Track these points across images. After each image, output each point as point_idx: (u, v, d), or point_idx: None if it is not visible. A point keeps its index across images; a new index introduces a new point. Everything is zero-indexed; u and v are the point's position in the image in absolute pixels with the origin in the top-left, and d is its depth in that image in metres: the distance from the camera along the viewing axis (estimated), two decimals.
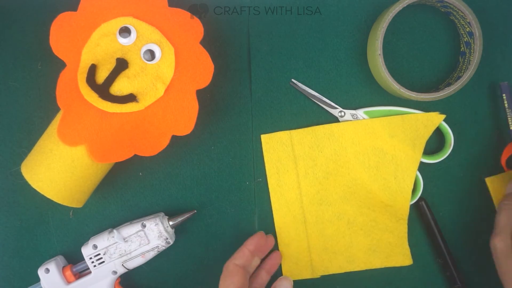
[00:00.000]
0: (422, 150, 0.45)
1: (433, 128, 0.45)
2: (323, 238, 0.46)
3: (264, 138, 0.45)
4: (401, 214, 0.46)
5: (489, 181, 0.47)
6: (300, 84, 0.44)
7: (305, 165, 0.45)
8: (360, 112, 0.44)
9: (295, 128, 0.46)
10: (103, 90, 0.38)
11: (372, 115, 0.44)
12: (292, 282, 0.42)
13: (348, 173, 0.46)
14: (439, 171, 0.47)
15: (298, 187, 0.46)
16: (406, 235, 0.46)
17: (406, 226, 0.46)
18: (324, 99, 0.44)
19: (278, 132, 0.45)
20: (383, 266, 0.47)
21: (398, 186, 0.45)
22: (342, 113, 0.44)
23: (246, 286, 0.40)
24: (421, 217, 0.47)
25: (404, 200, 0.45)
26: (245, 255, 0.42)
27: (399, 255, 0.47)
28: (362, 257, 0.47)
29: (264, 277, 0.44)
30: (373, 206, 0.46)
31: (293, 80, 0.44)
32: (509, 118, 0.45)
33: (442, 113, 0.45)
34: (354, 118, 0.44)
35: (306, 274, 0.47)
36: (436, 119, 0.45)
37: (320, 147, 0.45)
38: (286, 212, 0.46)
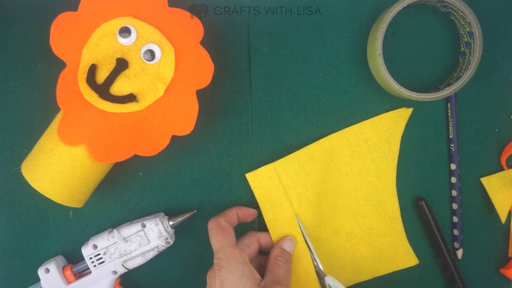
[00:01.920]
0: (398, 145, 0.46)
1: (404, 122, 0.46)
2: (326, 256, 0.46)
3: (250, 176, 0.44)
4: (393, 213, 0.46)
5: (485, 181, 0.47)
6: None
7: (297, 193, 0.44)
8: None
9: (295, 128, 0.46)
10: (103, 90, 0.38)
11: None
12: (295, 242, 0.44)
13: (335, 188, 0.45)
14: (439, 170, 0.47)
15: (295, 217, 0.44)
16: (404, 234, 0.47)
17: (401, 225, 0.46)
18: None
19: (261, 168, 0.44)
20: (391, 271, 0.47)
21: (383, 185, 0.46)
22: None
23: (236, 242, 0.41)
24: (421, 217, 0.47)
25: (392, 197, 0.46)
26: (234, 216, 0.43)
27: (403, 256, 0.47)
28: (369, 266, 0.47)
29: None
30: (366, 213, 0.46)
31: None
32: (450, 127, 0.46)
33: (441, 112, 0.46)
34: None
35: None
36: (405, 113, 0.46)
37: (306, 171, 0.44)
38: None
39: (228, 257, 0.39)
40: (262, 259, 0.44)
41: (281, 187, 0.44)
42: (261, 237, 0.44)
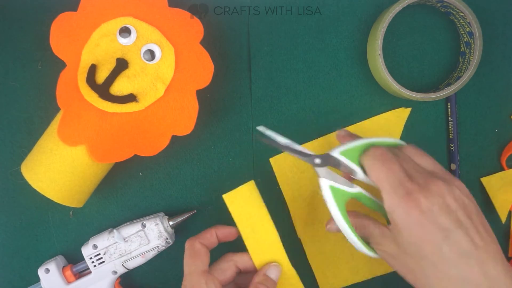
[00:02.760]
0: None
1: (403, 123, 0.45)
2: (323, 255, 0.46)
3: (228, 197, 0.40)
4: None
5: (485, 181, 0.47)
6: (268, 132, 0.38)
7: (290, 188, 0.45)
8: (336, 154, 0.37)
9: (295, 128, 0.46)
10: (103, 90, 0.38)
11: (347, 154, 0.38)
12: (281, 270, 0.40)
13: None
14: None
15: (278, 239, 0.40)
16: None
17: None
18: (296, 147, 0.38)
19: (240, 187, 0.40)
20: (389, 271, 0.47)
21: None
22: (318, 161, 0.37)
23: (207, 268, 0.39)
24: None
25: None
26: (212, 237, 0.40)
27: None
28: (366, 266, 0.46)
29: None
30: (363, 211, 0.46)
31: (258, 128, 0.39)
32: (450, 127, 0.46)
33: (441, 112, 0.46)
34: (329, 164, 0.37)
35: None
36: (403, 113, 0.45)
37: (301, 169, 0.45)
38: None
39: (192, 286, 0.37)
40: (240, 279, 0.41)
41: (263, 205, 0.40)
42: (239, 261, 0.40)
